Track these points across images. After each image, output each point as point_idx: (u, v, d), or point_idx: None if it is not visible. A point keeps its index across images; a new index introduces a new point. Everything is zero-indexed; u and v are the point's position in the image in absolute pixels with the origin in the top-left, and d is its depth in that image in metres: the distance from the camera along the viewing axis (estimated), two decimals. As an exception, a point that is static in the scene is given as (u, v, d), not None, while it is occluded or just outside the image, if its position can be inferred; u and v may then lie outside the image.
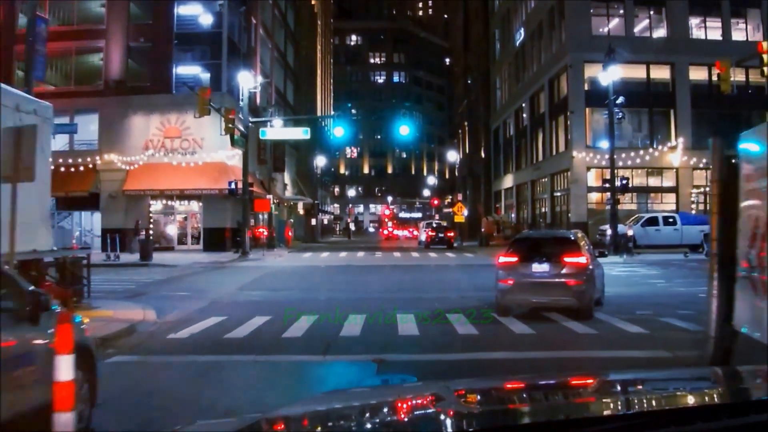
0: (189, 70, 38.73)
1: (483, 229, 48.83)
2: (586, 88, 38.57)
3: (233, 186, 32.22)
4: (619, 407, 2.26)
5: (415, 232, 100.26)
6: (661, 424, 1.79)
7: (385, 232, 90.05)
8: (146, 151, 37.39)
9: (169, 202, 38.88)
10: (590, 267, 13.04)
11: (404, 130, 30.21)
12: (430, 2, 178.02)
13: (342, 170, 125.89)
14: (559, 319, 12.53)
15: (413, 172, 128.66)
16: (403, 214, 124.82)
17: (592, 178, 38.55)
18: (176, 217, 39.50)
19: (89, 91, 38.75)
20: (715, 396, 2.35)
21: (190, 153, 37.24)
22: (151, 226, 38.40)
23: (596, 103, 38.09)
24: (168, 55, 38.14)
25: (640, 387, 2.58)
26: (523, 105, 50.50)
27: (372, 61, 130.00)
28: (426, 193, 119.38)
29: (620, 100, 30.91)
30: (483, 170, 68.35)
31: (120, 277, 22.77)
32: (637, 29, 39.91)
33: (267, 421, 2.20)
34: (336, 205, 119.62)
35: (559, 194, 41.78)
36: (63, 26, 39.91)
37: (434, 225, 51.37)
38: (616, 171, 36.83)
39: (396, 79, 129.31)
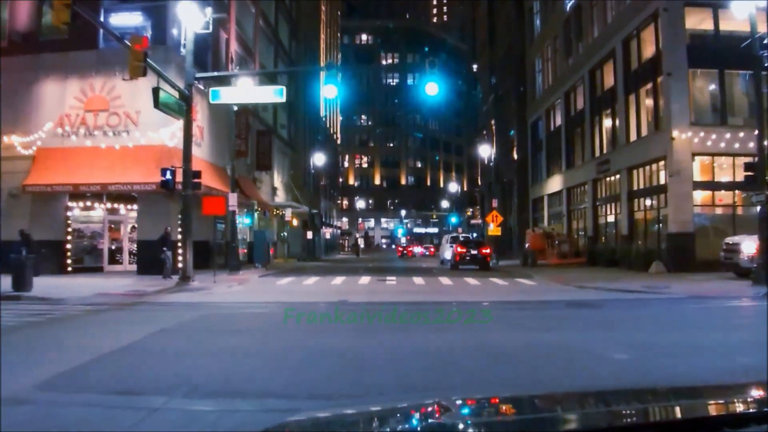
0: (124, 19, 27.50)
1: (527, 245, 37.29)
2: (687, 42, 27.08)
3: (168, 176, 20.91)
4: (621, 420, 2.13)
5: (432, 249, 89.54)
6: None
7: (400, 248, 79.58)
8: (60, 131, 26.28)
9: (99, 204, 27.67)
10: None
11: (431, 88, 18.86)
12: (444, 7, 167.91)
13: (351, 181, 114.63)
14: None
15: (428, 183, 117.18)
16: (417, 229, 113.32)
17: (697, 171, 26.93)
18: (106, 225, 28.18)
19: (-12, 49, 27.64)
20: (714, 409, 2.18)
21: (121, 132, 26.04)
22: (68, 237, 27.18)
23: (704, 62, 26.75)
24: (95, -4, 27.01)
25: (639, 402, 2.47)
26: (577, 84, 39.08)
27: (384, 62, 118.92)
28: (444, 204, 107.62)
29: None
30: (516, 174, 56.87)
31: None
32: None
33: None
34: (345, 219, 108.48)
35: (642, 195, 30.15)
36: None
37: (462, 239, 39.84)
38: (734, 158, 25.75)
39: (410, 81, 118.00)
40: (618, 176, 32.10)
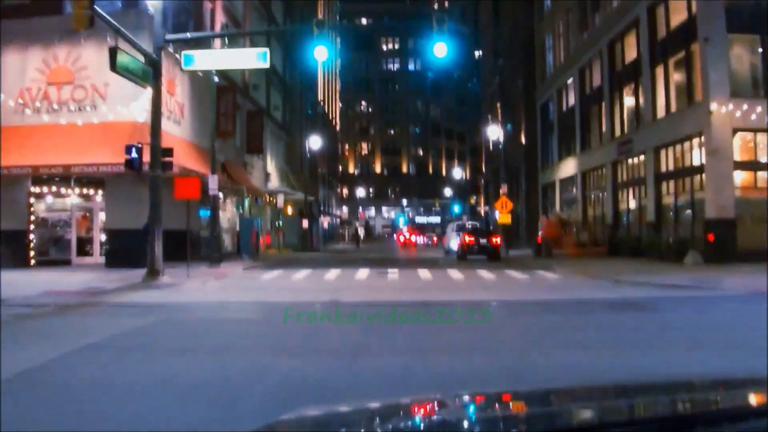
0: (94, -19, 24.45)
1: (541, 233, 34.31)
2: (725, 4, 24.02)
3: (134, 153, 17.96)
4: (624, 415, 2.06)
5: (435, 239, 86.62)
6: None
7: (402, 238, 76.62)
8: (20, 107, 23.34)
9: (68, 190, 24.74)
10: None
11: (440, 49, 15.95)
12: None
13: (351, 169, 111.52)
14: None
15: (430, 171, 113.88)
16: (419, 218, 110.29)
17: (737, 149, 23.91)
18: (74, 213, 25.25)
19: (-59, 16, 24.63)
20: (715, 404, 2.16)
21: (87, 107, 23.10)
22: (31, 226, 24.27)
23: (745, 26, 23.76)
24: (59, -46, 24.00)
25: (636, 397, 2.30)
26: (594, 60, 36.03)
27: (384, 47, 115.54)
28: (447, 193, 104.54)
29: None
30: (524, 159, 53.85)
31: None
32: None
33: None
34: (345, 208, 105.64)
35: (672, 177, 27.15)
36: None
37: (470, 227, 36.86)
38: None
39: (411, 67, 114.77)
40: (643, 157, 29.12)
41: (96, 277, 19.15)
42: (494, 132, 51.53)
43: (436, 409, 2.21)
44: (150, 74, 17.69)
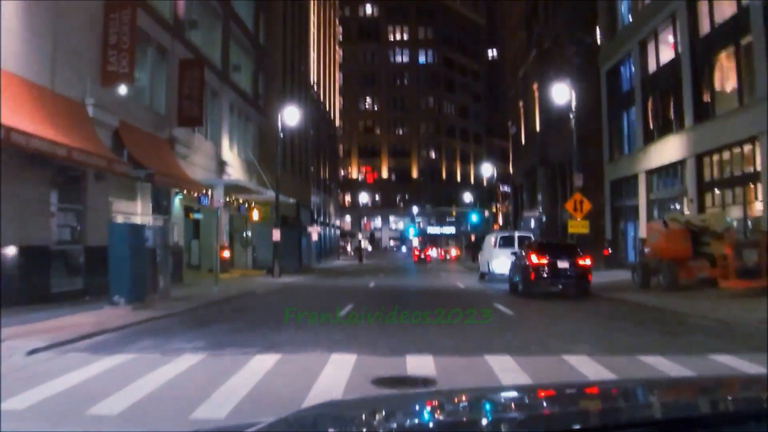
0: None
1: (648, 249, 21.11)
2: None
3: None
4: (627, 415, 1.98)
5: (454, 252, 73.81)
6: None
7: (416, 251, 64.19)
8: None
9: None
10: None
11: None
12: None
13: (354, 173, 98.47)
14: None
15: (443, 176, 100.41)
16: (431, 229, 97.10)
17: None
18: None
19: None
20: (717, 404, 2.08)
21: None
22: None
23: None
24: None
25: (634, 397, 2.30)
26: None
27: (392, 37, 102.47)
28: (465, 200, 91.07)
29: None
30: (578, 148, 40.62)
31: None
32: None
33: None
34: (348, 218, 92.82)
35: None
36: None
37: (539, 243, 22.91)
38: None
39: (422, 59, 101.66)
40: None
41: None
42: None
43: (444, 403, 2.19)
44: None
